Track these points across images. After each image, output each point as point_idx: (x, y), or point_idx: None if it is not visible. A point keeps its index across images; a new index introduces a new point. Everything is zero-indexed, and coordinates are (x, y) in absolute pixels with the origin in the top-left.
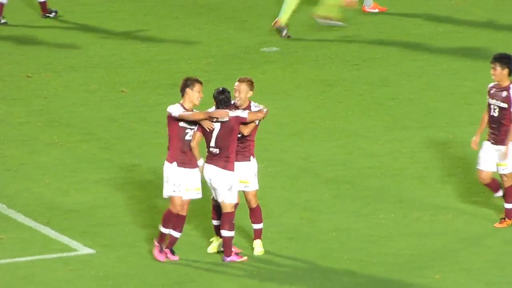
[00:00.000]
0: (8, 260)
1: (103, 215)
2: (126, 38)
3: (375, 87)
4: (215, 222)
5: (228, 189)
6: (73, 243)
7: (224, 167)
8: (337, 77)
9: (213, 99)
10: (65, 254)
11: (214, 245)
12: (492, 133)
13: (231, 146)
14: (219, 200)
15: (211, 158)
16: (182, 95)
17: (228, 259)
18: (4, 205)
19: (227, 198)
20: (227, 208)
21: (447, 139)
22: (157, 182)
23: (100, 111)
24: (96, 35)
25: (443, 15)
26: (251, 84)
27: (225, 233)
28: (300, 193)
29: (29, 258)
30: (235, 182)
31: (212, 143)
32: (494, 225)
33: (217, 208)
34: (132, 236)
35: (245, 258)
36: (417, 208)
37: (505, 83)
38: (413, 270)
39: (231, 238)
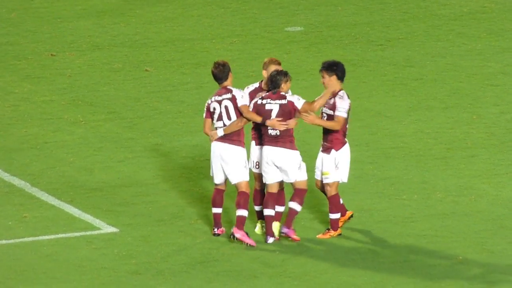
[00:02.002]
0: (31, 239)
1: (126, 194)
2: (150, 17)
3: (399, 68)
4: (257, 208)
5: (298, 168)
6: (97, 222)
7: (291, 148)
8: (362, 57)
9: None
10: (88, 233)
11: (258, 228)
12: (322, 140)
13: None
14: (291, 180)
15: (272, 140)
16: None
17: (293, 236)
18: (28, 183)
19: (299, 176)
20: (300, 185)
21: (471, 119)
22: (180, 162)
23: (124, 90)
24: (120, 14)
25: None
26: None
27: (295, 206)
28: None
29: (52, 237)
30: (301, 160)
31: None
32: (317, 236)
33: (261, 194)
34: (155, 215)
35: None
36: (440, 189)
37: (336, 89)
38: (435, 251)
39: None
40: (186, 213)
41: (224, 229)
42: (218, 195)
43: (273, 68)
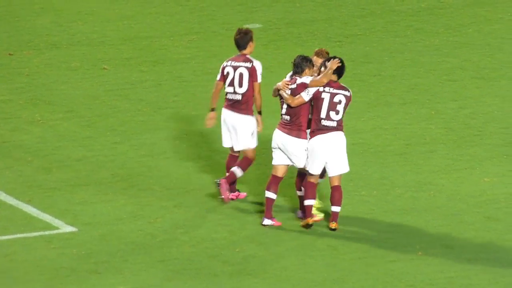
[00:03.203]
0: None
1: (85, 193)
2: (108, 15)
3: (357, 64)
4: (299, 193)
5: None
6: (55, 221)
7: (298, 136)
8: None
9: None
10: (47, 232)
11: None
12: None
13: (302, 114)
14: (300, 166)
15: (283, 126)
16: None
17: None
18: None
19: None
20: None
21: (429, 115)
22: (139, 160)
23: (82, 88)
24: (78, 12)
25: None
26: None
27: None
28: None
29: (10, 237)
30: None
31: (283, 111)
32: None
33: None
34: (114, 214)
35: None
36: (399, 185)
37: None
38: (395, 247)
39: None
40: (146, 211)
41: (241, 193)
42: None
43: (319, 61)
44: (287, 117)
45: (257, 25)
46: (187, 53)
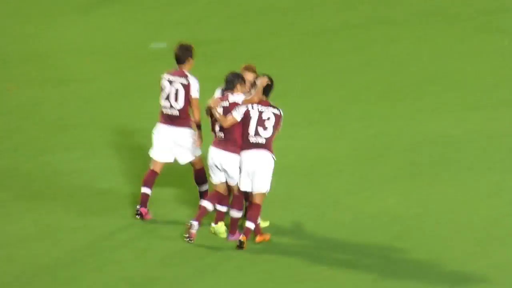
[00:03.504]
0: None
1: None
2: (10, 33)
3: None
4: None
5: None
6: None
7: (234, 151)
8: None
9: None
10: None
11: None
12: None
13: (236, 131)
14: (233, 183)
15: (218, 143)
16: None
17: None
18: None
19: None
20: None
21: (336, 135)
22: (44, 180)
23: None
24: None
25: (330, 10)
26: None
27: (234, 213)
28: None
29: None
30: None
31: (217, 127)
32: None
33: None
34: (19, 234)
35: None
36: (305, 205)
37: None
38: (302, 266)
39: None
40: (51, 232)
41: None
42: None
43: (249, 75)
44: (221, 134)
45: (163, 45)
46: (91, 72)
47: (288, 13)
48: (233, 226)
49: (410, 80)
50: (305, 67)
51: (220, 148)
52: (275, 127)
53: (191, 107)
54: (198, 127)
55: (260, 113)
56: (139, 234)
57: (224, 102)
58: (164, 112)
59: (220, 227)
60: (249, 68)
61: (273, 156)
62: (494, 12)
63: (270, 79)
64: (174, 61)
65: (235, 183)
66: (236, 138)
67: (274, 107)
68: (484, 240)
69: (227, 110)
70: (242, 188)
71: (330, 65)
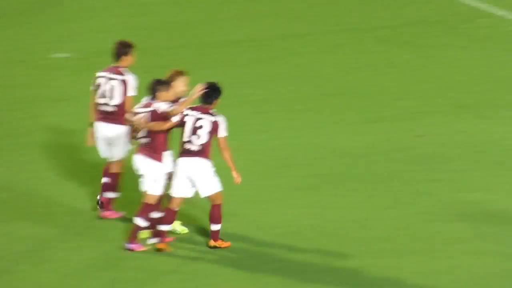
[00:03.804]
0: None
1: None
2: None
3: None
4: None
5: (154, 180)
6: None
7: (153, 158)
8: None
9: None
10: None
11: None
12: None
13: (157, 137)
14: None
15: (143, 148)
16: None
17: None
18: None
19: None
20: (149, 199)
21: (237, 146)
22: None
23: None
24: None
25: (233, 23)
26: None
27: (140, 221)
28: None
29: None
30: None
31: (142, 133)
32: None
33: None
34: None
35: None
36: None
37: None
38: (196, 277)
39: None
40: None
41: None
42: None
43: (180, 80)
44: (146, 140)
45: (66, 55)
46: None
47: (191, 26)
48: (134, 234)
49: (312, 93)
50: (207, 80)
51: (142, 154)
52: (211, 134)
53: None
54: (130, 124)
55: (196, 119)
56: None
57: (145, 109)
58: (100, 109)
59: (176, 226)
60: (178, 74)
61: (208, 162)
62: (395, 26)
63: (213, 86)
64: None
65: (147, 190)
66: (158, 145)
67: (212, 114)
68: (380, 251)
69: (150, 118)
70: (176, 194)
71: (232, 77)
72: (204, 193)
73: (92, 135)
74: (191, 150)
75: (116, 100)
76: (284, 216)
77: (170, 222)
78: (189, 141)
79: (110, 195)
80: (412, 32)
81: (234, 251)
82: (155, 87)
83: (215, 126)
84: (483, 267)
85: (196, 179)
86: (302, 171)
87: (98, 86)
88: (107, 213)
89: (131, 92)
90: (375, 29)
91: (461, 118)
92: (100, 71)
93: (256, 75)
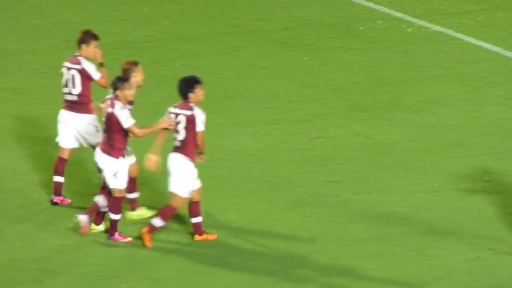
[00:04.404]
0: None
1: None
2: None
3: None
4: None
5: (113, 175)
6: None
7: (109, 154)
8: (26, 85)
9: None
10: None
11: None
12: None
13: (114, 134)
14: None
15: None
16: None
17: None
18: None
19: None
20: (115, 193)
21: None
22: None
23: None
24: None
25: (131, 24)
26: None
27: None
28: None
29: None
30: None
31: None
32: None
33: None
34: None
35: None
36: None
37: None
38: (99, 280)
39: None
40: None
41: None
42: None
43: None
44: (105, 135)
45: None
46: None
47: (89, 26)
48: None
49: (211, 95)
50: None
51: (101, 150)
52: (189, 129)
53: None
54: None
55: (176, 115)
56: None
57: (109, 108)
58: (65, 98)
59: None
60: (133, 64)
61: (185, 158)
62: (293, 28)
63: (186, 80)
64: None
65: (112, 185)
66: (114, 139)
67: (188, 108)
68: (281, 252)
69: (109, 118)
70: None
71: None
72: (171, 189)
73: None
74: (174, 146)
75: (78, 89)
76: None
77: (198, 214)
78: (174, 138)
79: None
80: (310, 34)
81: (134, 252)
82: (115, 83)
83: (190, 121)
84: (382, 269)
85: (171, 174)
86: (202, 172)
87: (61, 75)
88: (58, 199)
89: (94, 76)
90: (273, 31)
91: (359, 120)
92: (65, 61)
93: (155, 76)
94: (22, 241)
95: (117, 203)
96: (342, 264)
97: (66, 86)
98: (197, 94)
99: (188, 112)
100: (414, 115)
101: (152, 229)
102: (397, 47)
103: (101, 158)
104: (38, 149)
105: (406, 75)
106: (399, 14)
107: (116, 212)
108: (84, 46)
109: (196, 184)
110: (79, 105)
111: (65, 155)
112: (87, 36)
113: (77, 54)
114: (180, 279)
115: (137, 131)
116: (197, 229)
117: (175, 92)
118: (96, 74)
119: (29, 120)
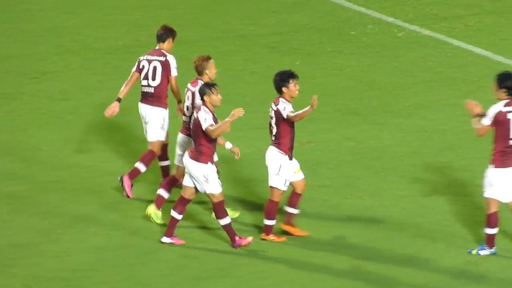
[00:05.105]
0: None
1: None
2: None
3: (54, 101)
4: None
5: (205, 181)
6: None
7: (197, 160)
8: (16, 90)
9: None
10: None
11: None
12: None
13: (200, 139)
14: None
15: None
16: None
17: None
18: None
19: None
20: (213, 198)
21: (125, 152)
22: None
23: None
24: None
25: (122, 29)
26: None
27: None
28: None
29: None
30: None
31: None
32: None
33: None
34: None
35: None
36: (95, 223)
37: None
38: (90, 285)
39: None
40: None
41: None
42: None
43: (212, 64)
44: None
45: None
46: None
47: (79, 31)
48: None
49: None
50: (95, 85)
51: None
52: (279, 124)
53: (170, 85)
54: (179, 102)
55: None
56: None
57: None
58: (142, 90)
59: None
60: (207, 59)
61: (283, 153)
62: (284, 33)
63: (279, 74)
64: None
65: (207, 191)
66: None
67: (276, 103)
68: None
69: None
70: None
71: (121, 84)
72: (269, 181)
73: (113, 108)
74: (271, 140)
75: (157, 81)
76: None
77: (295, 205)
78: (270, 132)
79: (142, 169)
80: (301, 38)
81: (122, 258)
82: (204, 90)
83: (279, 115)
84: (372, 273)
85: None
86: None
87: (142, 68)
88: (127, 183)
89: (173, 72)
90: (264, 36)
91: (350, 125)
92: (144, 54)
93: None
94: (13, 247)
95: (219, 207)
96: (332, 268)
97: (145, 78)
98: (291, 88)
99: (275, 108)
100: (405, 119)
101: (267, 228)
102: (388, 51)
103: (190, 165)
104: (28, 155)
105: (397, 79)
106: (390, 19)
107: (222, 216)
108: (170, 41)
109: (298, 176)
110: (154, 98)
111: (155, 149)
112: (175, 34)
113: (159, 48)
114: (165, 284)
115: (212, 131)
116: (289, 218)
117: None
118: (174, 72)
119: (19, 126)
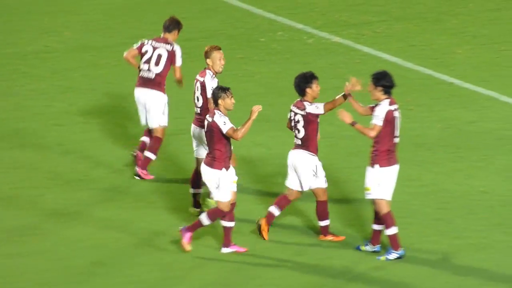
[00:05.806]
0: None
1: None
2: None
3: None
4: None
5: (216, 187)
6: None
7: (211, 166)
8: None
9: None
10: None
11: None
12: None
13: (215, 144)
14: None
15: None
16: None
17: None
18: None
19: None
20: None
21: (37, 159)
22: None
23: None
24: None
25: (31, 35)
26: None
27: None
28: None
29: None
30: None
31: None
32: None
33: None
34: None
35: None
36: (4, 230)
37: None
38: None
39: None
40: None
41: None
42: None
43: (217, 54)
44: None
45: None
46: None
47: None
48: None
49: (108, 105)
50: (3, 91)
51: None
52: (307, 127)
53: (175, 74)
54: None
55: (294, 114)
56: None
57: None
58: (141, 75)
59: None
60: (215, 48)
61: (313, 154)
62: (193, 39)
63: (301, 76)
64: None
65: (215, 198)
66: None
67: (303, 108)
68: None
69: None
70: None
71: (29, 89)
72: (304, 186)
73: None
74: (295, 144)
75: (160, 67)
76: (87, 229)
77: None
78: (294, 136)
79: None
80: (209, 45)
81: (35, 265)
82: (218, 93)
83: (307, 119)
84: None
85: (296, 171)
86: (103, 183)
87: (145, 53)
88: (142, 172)
89: (178, 61)
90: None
91: (261, 131)
92: (148, 39)
93: (54, 87)
94: None
95: (218, 214)
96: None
97: (147, 62)
98: (314, 89)
99: (303, 112)
100: None
101: (324, 229)
102: (297, 58)
103: (204, 171)
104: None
105: None
106: (299, 26)
107: (215, 220)
108: (176, 33)
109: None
110: (155, 83)
111: (159, 135)
112: (181, 26)
113: (165, 36)
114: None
115: (235, 134)
116: (270, 218)
117: (74, 103)
118: (179, 61)
119: None
